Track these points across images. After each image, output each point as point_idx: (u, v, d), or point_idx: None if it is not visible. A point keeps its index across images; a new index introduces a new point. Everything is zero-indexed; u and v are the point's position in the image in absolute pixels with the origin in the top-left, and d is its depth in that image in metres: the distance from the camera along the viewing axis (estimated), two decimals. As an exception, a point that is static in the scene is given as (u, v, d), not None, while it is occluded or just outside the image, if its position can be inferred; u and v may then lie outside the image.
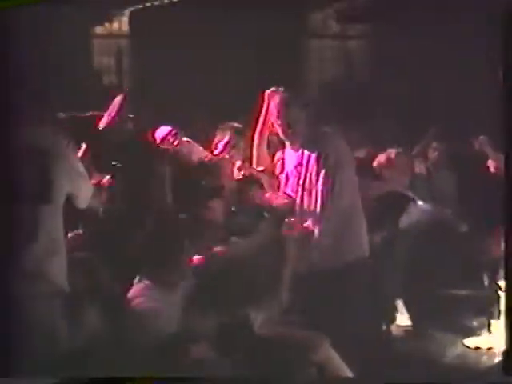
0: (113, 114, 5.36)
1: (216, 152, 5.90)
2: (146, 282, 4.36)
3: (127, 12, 8.41)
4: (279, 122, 5.09)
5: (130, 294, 4.34)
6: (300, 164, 5.08)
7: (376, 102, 8.39)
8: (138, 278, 4.40)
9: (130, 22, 8.57)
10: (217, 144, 5.90)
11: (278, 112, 5.08)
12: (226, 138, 5.86)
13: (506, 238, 4.71)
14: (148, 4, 8.02)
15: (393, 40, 8.53)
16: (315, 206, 4.99)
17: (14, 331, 3.96)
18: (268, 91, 5.23)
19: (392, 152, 6.29)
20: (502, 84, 4.53)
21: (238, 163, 5.69)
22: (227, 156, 5.93)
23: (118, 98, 5.42)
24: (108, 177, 5.23)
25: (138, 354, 3.99)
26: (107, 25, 8.46)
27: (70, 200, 4.24)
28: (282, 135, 5.15)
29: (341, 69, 9.56)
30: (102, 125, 5.39)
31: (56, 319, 4.06)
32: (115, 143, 5.35)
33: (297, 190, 5.08)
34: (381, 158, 6.29)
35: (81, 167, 4.34)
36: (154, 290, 4.32)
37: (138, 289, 4.35)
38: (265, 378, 4.15)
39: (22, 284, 4.02)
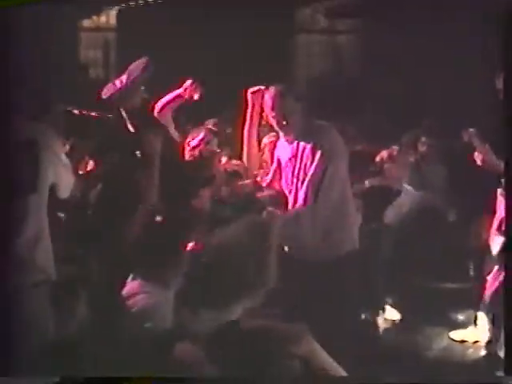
0: (133, 76, 5.23)
1: (191, 146, 5.84)
2: (140, 279, 4.33)
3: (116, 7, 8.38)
4: (273, 114, 5.08)
5: (125, 291, 4.30)
6: (294, 156, 5.09)
7: (369, 97, 8.40)
8: (131, 276, 4.37)
9: (118, 16, 8.55)
10: (189, 142, 5.86)
11: (273, 104, 5.07)
12: (201, 135, 5.82)
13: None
14: (132, 3, 8.00)
15: (386, 34, 8.52)
16: (306, 197, 4.99)
17: (12, 331, 3.96)
18: (251, 91, 5.26)
19: (395, 149, 6.51)
20: (499, 82, 4.54)
21: (224, 159, 5.69)
22: (218, 150, 5.91)
23: (142, 60, 5.29)
24: (92, 162, 5.20)
25: (135, 354, 3.95)
26: (96, 18, 8.43)
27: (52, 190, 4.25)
28: (276, 127, 5.15)
29: (335, 63, 9.56)
30: (118, 85, 5.26)
31: (51, 317, 4.07)
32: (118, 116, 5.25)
33: (292, 182, 5.09)
34: (383, 153, 6.47)
35: (64, 157, 4.35)
36: (149, 287, 4.29)
37: (133, 286, 4.32)
38: (257, 377, 4.10)
39: (10, 275, 4.02)
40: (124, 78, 5.23)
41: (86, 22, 8.19)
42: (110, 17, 8.27)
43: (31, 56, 4.44)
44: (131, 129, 5.17)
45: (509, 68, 4.42)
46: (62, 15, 5.97)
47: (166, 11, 8.00)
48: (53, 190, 4.25)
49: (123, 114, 5.21)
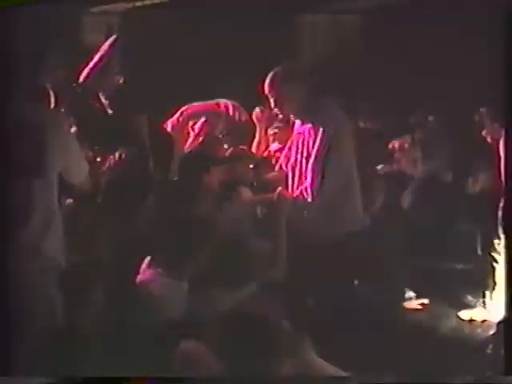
0: (102, 54, 5.25)
1: (195, 132, 5.87)
2: (155, 267, 4.32)
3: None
4: (274, 95, 5.11)
5: (139, 279, 4.30)
6: (299, 133, 5.10)
7: (375, 79, 8.35)
8: (146, 264, 4.36)
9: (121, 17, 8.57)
10: (193, 126, 5.87)
11: (275, 88, 5.08)
12: (203, 119, 5.83)
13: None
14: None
15: (393, 17, 8.45)
16: (312, 177, 5.00)
17: (12, 331, 3.97)
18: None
19: (407, 140, 6.63)
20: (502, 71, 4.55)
21: (225, 145, 5.74)
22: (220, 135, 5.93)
23: (111, 38, 5.32)
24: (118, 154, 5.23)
25: (138, 352, 3.92)
26: (98, 17, 8.42)
27: (62, 175, 4.24)
28: (277, 110, 5.18)
29: (340, 44, 9.49)
30: (90, 65, 5.29)
31: (54, 312, 4.09)
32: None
33: (295, 159, 5.09)
34: (395, 143, 6.62)
35: (75, 142, 4.33)
36: (164, 275, 4.28)
37: (147, 274, 4.31)
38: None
39: (18, 264, 4.03)
40: (96, 57, 5.27)
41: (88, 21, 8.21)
42: (112, 18, 8.27)
43: (31, 55, 4.44)
44: (110, 113, 5.22)
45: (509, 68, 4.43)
46: (62, 15, 5.99)
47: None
48: (63, 175, 4.24)
49: (102, 99, 5.26)
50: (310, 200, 4.97)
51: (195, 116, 5.88)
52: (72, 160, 4.29)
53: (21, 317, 3.99)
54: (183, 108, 5.86)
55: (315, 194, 4.97)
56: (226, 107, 5.87)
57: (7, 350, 3.95)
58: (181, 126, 5.79)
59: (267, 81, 5.12)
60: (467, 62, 7.24)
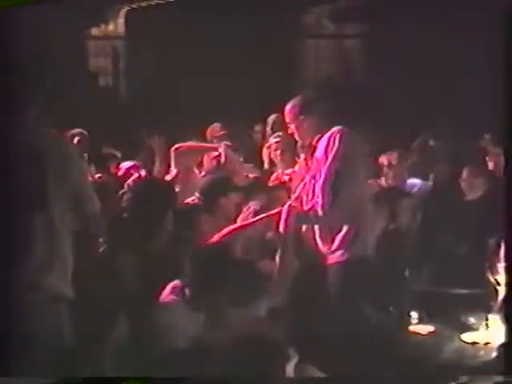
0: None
1: (212, 156, 5.98)
2: (175, 295, 4.35)
3: (123, 12, 8.40)
4: (293, 127, 5.21)
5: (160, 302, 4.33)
6: (308, 158, 5.19)
7: (376, 101, 8.41)
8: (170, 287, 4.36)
9: (126, 23, 8.56)
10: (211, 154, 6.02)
11: (292, 116, 5.18)
12: (222, 148, 5.98)
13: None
14: (144, 4, 8.04)
15: (393, 38, 8.52)
16: (323, 201, 5.06)
17: (13, 331, 3.94)
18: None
19: (394, 154, 6.76)
20: (501, 83, 4.58)
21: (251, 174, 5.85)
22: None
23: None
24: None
25: (137, 355, 3.93)
26: (103, 26, 8.43)
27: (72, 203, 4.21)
28: (298, 138, 5.28)
29: (343, 68, 9.57)
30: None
31: (55, 321, 4.08)
32: None
33: (308, 182, 5.21)
34: (383, 159, 6.77)
35: (84, 172, 4.35)
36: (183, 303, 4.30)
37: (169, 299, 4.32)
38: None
39: (23, 288, 4.03)
40: None
41: (84, 25, 8.25)
42: (107, 19, 8.32)
43: (31, 56, 4.45)
44: None
45: (509, 68, 4.45)
46: (62, 15, 6.03)
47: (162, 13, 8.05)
48: (73, 202, 4.21)
49: None
50: (321, 214, 5.04)
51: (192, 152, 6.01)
52: (82, 186, 4.28)
53: (21, 320, 3.98)
54: (176, 146, 5.99)
55: (327, 208, 5.05)
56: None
57: (8, 350, 3.94)
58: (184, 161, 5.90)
59: (287, 109, 5.25)
60: (467, 63, 7.29)
